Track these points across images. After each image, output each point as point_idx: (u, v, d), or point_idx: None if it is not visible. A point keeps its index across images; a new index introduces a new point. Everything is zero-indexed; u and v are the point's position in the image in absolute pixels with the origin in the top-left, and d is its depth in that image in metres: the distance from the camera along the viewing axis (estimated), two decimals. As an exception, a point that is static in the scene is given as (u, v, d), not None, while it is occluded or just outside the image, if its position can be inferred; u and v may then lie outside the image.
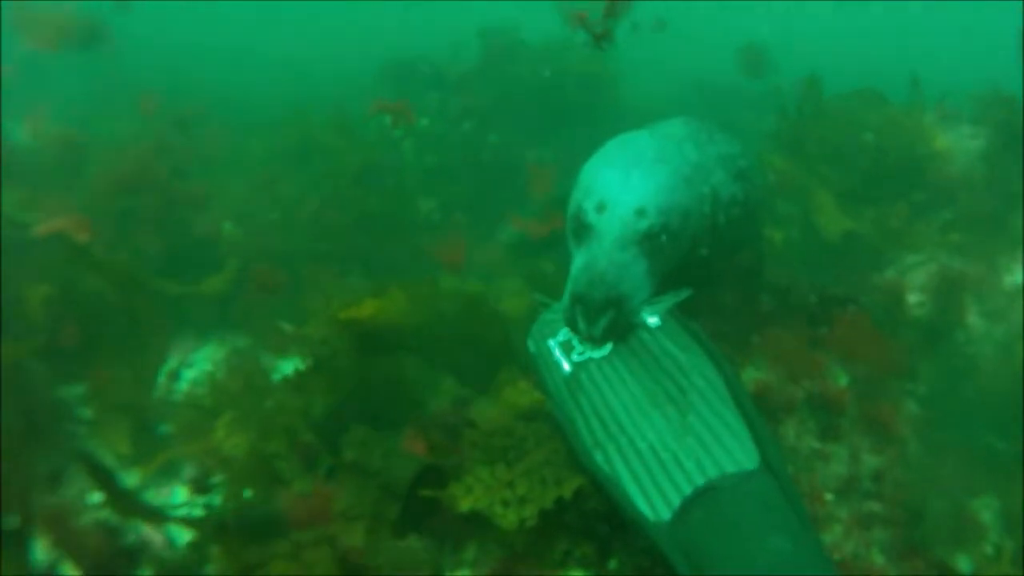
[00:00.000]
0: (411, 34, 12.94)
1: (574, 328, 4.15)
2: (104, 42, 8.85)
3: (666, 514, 3.40)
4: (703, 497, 3.39)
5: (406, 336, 4.43)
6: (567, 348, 4.22)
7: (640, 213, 4.22)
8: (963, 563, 4.49)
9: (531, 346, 4.36)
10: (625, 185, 4.30)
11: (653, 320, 4.13)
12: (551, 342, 4.28)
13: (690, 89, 11.34)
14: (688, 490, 3.42)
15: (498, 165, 8.14)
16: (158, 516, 4.01)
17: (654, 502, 3.45)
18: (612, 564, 3.75)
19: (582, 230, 4.30)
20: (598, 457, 3.69)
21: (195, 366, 6.02)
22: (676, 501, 3.41)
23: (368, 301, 4.21)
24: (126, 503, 3.97)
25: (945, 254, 6.08)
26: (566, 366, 4.13)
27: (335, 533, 3.64)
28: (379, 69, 10.23)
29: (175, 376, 5.89)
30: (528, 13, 10.74)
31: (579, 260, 4.25)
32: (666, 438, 3.64)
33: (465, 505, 3.67)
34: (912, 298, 5.74)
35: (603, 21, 4.83)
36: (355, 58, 10.37)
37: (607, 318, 4.04)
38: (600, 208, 4.26)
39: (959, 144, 6.83)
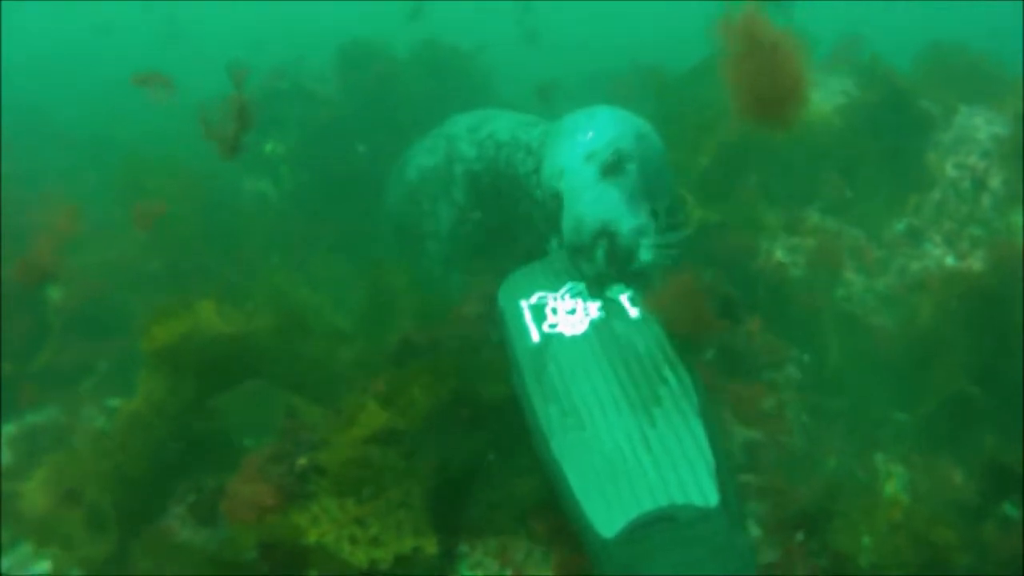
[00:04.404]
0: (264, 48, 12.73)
1: (589, 280, 4.18)
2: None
3: (612, 530, 3.19)
4: (658, 526, 3.19)
5: (235, 358, 4.15)
6: (538, 313, 4.00)
7: (589, 157, 4.53)
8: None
9: (501, 301, 4.17)
10: (572, 146, 4.68)
11: (635, 312, 3.94)
12: (522, 302, 4.08)
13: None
14: (641, 510, 3.22)
15: (365, 173, 8.00)
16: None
17: (604, 513, 3.24)
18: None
19: (557, 199, 4.62)
20: (553, 446, 3.46)
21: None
22: (627, 518, 3.20)
23: (174, 317, 3.93)
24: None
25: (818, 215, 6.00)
26: (535, 335, 3.89)
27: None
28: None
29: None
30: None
31: (563, 222, 4.47)
32: (629, 447, 3.41)
33: (312, 536, 3.43)
34: (785, 259, 5.64)
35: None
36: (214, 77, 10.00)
37: (601, 248, 4.16)
38: (560, 175, 4.66)
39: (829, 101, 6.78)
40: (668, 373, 3.67)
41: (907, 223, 5.97)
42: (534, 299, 4.09)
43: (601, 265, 4.14)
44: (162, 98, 4.69)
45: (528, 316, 4.00)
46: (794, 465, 4.37)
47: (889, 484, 4.73)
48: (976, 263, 5.66)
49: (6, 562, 4.36)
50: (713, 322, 4.05)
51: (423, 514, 3.57)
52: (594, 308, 4.01)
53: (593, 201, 4.33)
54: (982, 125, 6.46)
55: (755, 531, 3.87)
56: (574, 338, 3.85)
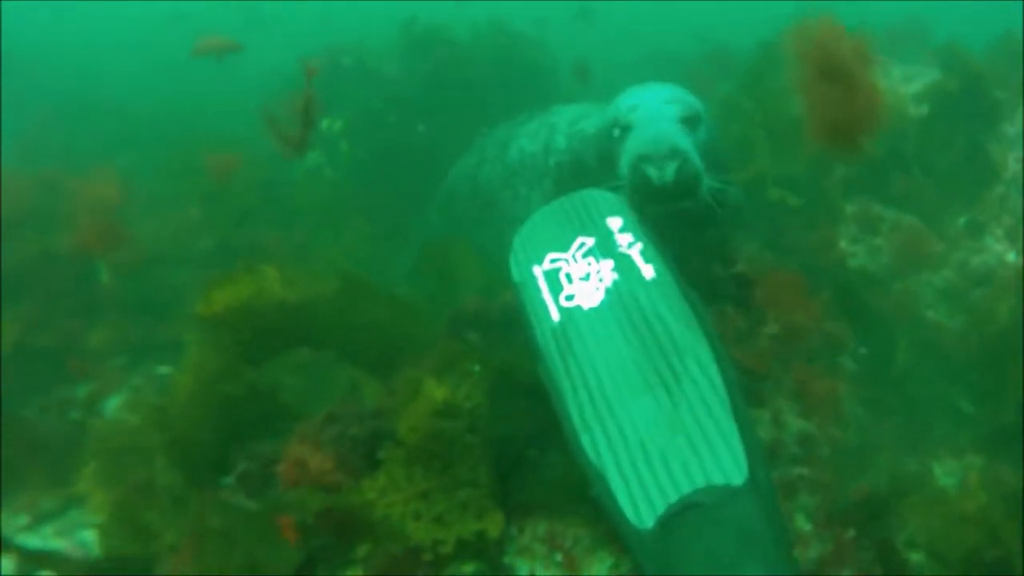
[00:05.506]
0: (328, 31, 12.75)
1: (640, 188, 4.27)
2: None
3: (649, 521, 3.10)
4: (689, 513, 3.09)
5: (295, 325, 4.12)
6: (554, 282, 3.81)
7: (669, 101, 4.68)
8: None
9: (514, 272, 3.95)
10: (645, 93, 4.83)
11: (649, 272, 3.76)
12: (535, 269, 3.89)
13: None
14: (674, 497, 3.12)
15: (424, 153, 7.98)
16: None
17: (638, 505, 3.15)
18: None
19: (623, 131, 4.66)
20: (584, 440, 3.32)
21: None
22: (661, 507, 3.11)
23: (236, 282, 3.92)
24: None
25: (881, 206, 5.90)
26: (555, 314, 3.69)
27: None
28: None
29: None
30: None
31: (632, 138, 4.53)
32: (656, 431, 3.29)
33: (380, 509, 3.39)
34: (848, 248, 5.57)
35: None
36: (278, 56, 10.00)
37: (675, 164, 4.22)
38: (633, 108, 4.71)
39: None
40: (687, 341, 3.52)
41: (969, 217, 5.87)
42: (547, 263, 3.91)
43: (669, 176, 4.18)
44: (225, 59, 4.67)
45: (545, 288, 3.81)
46: (847, 459, 4.31)
47: (946, 480, 4.67)
48: (1037, 260, 5.55)
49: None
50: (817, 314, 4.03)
51: (489, 492, 3.52)
52: (607, 270, 3.83)
53: (673, 133, 4.40)
54: (1044, 118, 6.37)
55: (805, 525, 3.83)
56: (591, 312, 3.68)
